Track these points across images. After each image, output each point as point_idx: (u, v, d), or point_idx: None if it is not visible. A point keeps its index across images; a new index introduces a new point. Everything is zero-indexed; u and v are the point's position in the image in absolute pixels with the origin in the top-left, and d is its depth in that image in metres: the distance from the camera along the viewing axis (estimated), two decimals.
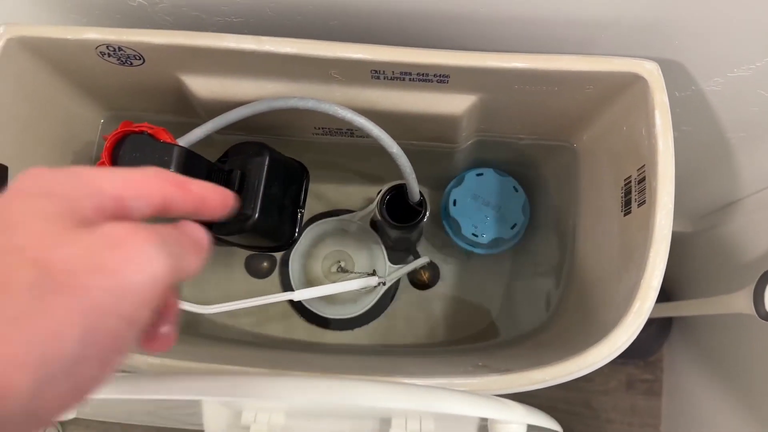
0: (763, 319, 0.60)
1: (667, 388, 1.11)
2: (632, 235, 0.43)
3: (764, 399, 0.77)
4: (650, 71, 0.42)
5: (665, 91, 0.42)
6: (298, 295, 0.50)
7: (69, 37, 0.44)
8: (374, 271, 0.62)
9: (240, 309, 0.50)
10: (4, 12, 0.51)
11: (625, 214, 0.45)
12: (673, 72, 0.53)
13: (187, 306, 0.48)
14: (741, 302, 0.64)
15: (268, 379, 0.35)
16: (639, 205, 0.43)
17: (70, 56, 0.46)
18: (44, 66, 0.47)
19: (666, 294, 1.06)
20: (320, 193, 0.68)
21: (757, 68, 0.51)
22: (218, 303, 0.66)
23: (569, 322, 0.51)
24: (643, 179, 0.43)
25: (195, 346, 0.55)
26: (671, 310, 0.89)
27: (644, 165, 0.43)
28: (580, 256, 0.53)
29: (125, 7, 0.49)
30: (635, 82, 0.43)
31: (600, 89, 0.45)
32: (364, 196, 0.69)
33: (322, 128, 0.55)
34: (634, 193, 0.44)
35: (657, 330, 1.04)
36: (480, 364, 0.45)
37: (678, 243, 1.08)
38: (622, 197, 0.46)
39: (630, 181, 0.45)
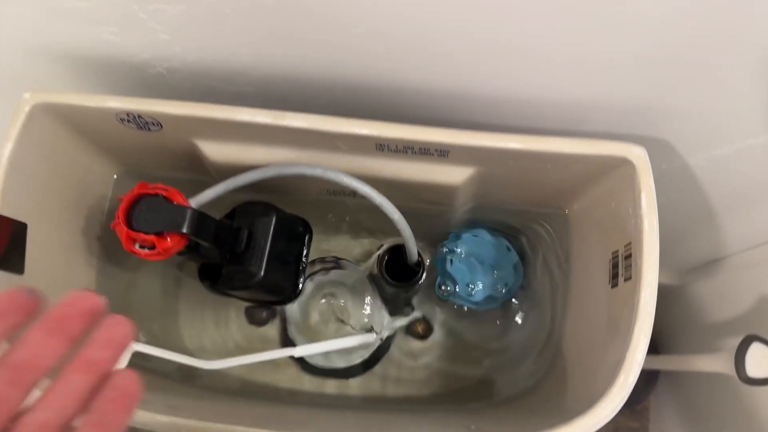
0: (744, 382, 0.62)
1: None
2: (618, 308, 0.46)
3: None
4: (638, 156, 0.45)
5: (651, 175, 0.45)
6: (299, 351, 0.52)
7: (91, 105, 0.47)
8: (372, 327, 0.64)
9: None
10: (30, 71, 0.54)
11: (612, 287, 0.47)
12: (659, 147, 0.56)
13: (187, 360, 0.49)
14: (723, 363, 0.66)
15: None
16: (625, 280, 0.45)
17: (90, 120, 0.49)
18: (64, 128, 0.50)
19: (653, 344, 1.09)
20: (320, 246, 0.71)
21: (738, 148, 0.54)
22: (215, 349, 0.68)
23: (558, 386, 0.53)
24: (629, 256, 0.45)
25: (189, 398, 0.57)
26: (656, 363, 0.91)
27: (630, 242, 0.45)
28: (570, 321, 0.55)
29: (145, 74, 0.52)
30: (623, 165, 0.46)
31: (590, 168, 0.48)
32: (363, 250, 0.71)
33: (326, 190, 0.57)
34: (621, 268, 0.46)
35: (643, 380, 1.05)
36: (473, 427, 0.47)
37: (665, 295, 1.11)
38: (609, 270, 0.48)
39: (617, 256, 0.47)
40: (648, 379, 1.07)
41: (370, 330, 0.62)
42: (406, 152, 0.49)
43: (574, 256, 0.56)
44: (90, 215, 0.55)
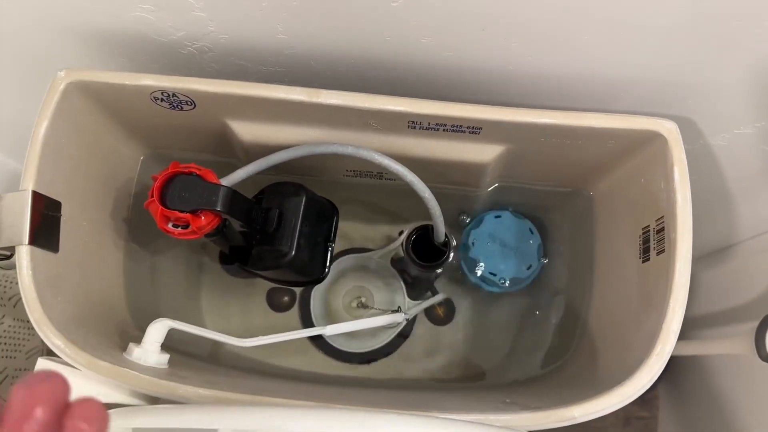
0: (764, 360, 0.63)
1: (662, 426, 1.13)
2: (651, 282, 0.46)
3: None
4: (670, 130, 0.45)
5: (683, 148, 0.45)
6: (330, 330, 0.53)
7: (126, 83, 0.47)
8: (399, 308, 0.64)
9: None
10: (58, 51, 0.53)
11: (643, 261, 0.48)
12: (683, 127, 0.57)
13: (224, 338, 0.50)
14: (742, 344, 0.67)
15: (312, 411, 0.37)
16: (658, 254, 0.46)
17: (124, 100, 0.49)
18: (96, 107, 0.50)
19: None
20: (342, 231, 0.71)
21: (761, 126, 0.55)
22: (238, 334, 0.68)
23: (587, 362, 0.53)
24: (662, 230, 0.46)
25: (221, 377, 0.57)
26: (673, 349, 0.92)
27: (663, 216, 0.46)
28: (596, 298, 0.56)
29: (174, 53, 0.52)
30: (655, 139, 0.46)
31: (621, 144, 0.49)
32: (383, 234, 0.71)
33: (353, 171, 0.58)
34: (653, 242, 0.47)
35: None
36: (507, 401, 0.48)
37: None
38: (640, 245, 0.49)
39: (648, 231, 0.48)
40: None
41: (397, 310, 0.62)
42: (438, 129, 0.49)
43: (599, 235, 0.57)
44: (118, 197, 0.55)
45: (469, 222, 0.66)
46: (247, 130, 0.51)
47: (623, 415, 1.16)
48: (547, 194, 0.61)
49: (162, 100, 0.48)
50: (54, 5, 0.48)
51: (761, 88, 0.50)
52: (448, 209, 0.65)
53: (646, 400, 1.16)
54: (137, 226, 0.57)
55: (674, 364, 1.10)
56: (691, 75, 0.49)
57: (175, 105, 0.49)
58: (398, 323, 0.63)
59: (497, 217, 0.65)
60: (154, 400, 0.46)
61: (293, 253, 0.52)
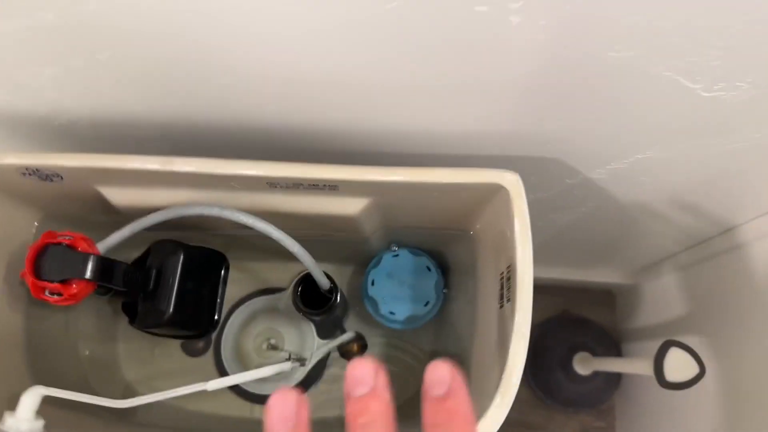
0: (663, 387, 0.64)
1: None
2: (505, 329, 0.47)
3: None
4: (510, 181, 0.46)
5: (525, 200, 0.46)
6: (211, 385, 0.54)
7: None
8: (291, 356, 0.65)
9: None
10: None
11: (500, 307, 0.49)
12: (556, 165, 0.58)
13: (99, 401, 0.51)
14: (646, 367, 0.67)
15: None
16: (507, 301, 0.47)
17: None
18: None
19: (616, 345, 1.10)
20: (252, 272, 0.73)
21: (631, 161, 0.56)
22: (153, 381, 0.70)
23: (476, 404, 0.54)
24: (510, 278, 0.47)
25: None
26: (597, 365, 0.93)
27: (510, 265, 0.47)
28: (476, 339, 0.57)
29: (48, 126, 0.54)
30: (499, 191, 0.47)
31: (474, 194, 0.50)
32: (294, 272, 0.73)
33: (238, 224, 0.59)
34: (505, 290, 0.48)
35: (604, 381, 1.07)
36: None
37: (622, 294, 1.12)
38: (498, 290, 0.50)
39: (503, 277, 0.49)
40: (609, 379, 1.08)
41: (296, 359, 0.63)
42: (298, 188, 0.50)
43: (480, 274, 0.58)
44: (12, 261, 0.57)
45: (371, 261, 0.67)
46: (119, 195, 0.53)
47: (580, 426, 1.16)
48: (434, 235, 0.62)
49: (30, 174, 0.50)
50: None
51: (618, 132, 0.51)
52: (347, 252, 0.67)
53: (602, 410, 1.17)
54: None
55: (628, 375, 1.10)
56: (541, 124, 0.50)
57: (43, 178, 0.51)
58: (302, 365, 0.64)
59: (395, 255, 0.66)
60: None
61: (171, 310, 0.54)
